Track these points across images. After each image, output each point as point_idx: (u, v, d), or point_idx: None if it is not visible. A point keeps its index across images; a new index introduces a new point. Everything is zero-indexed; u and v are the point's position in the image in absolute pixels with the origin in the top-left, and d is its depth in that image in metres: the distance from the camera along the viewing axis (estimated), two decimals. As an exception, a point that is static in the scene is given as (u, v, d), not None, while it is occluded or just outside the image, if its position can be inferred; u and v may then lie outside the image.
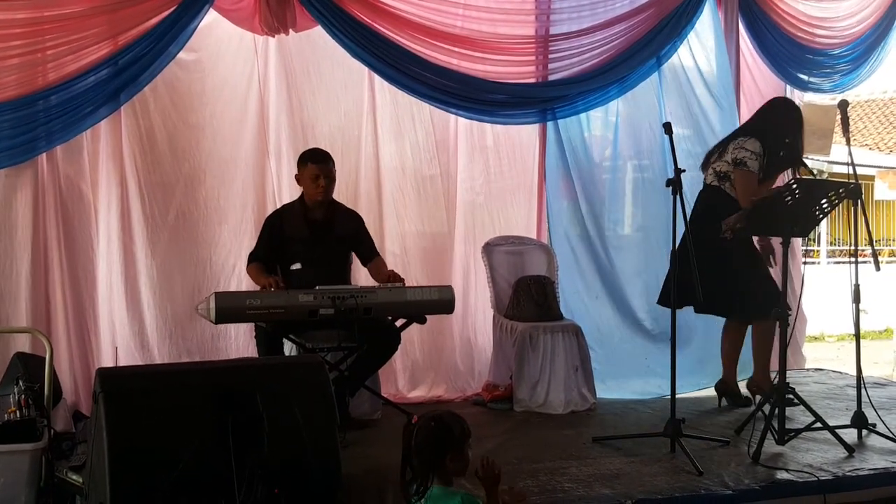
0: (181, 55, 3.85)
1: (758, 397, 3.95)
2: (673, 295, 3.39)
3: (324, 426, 2.47)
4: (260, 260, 3.74)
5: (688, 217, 3.29)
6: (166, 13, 3.69)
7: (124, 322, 3.93)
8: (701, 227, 3.60)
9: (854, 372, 3.62)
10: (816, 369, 5.36)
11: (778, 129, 3.89)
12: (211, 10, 3.81)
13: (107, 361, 3.83)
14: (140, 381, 2.47)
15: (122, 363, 3.84)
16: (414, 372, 4.39)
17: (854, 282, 3.53)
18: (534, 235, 4.68)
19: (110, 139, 3.89)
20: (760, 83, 5.24)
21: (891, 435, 3.38)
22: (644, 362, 4.54)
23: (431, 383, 4.41)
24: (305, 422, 2.40)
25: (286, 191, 4.13)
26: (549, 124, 4.58)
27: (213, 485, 2.25)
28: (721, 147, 4.02)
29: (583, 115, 4.59)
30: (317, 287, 3.39)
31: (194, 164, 4.07)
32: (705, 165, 4.07)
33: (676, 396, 3.33)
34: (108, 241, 3.92)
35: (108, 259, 3.92)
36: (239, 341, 4.06)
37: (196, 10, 3.74)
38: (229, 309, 3.28)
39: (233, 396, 2.34)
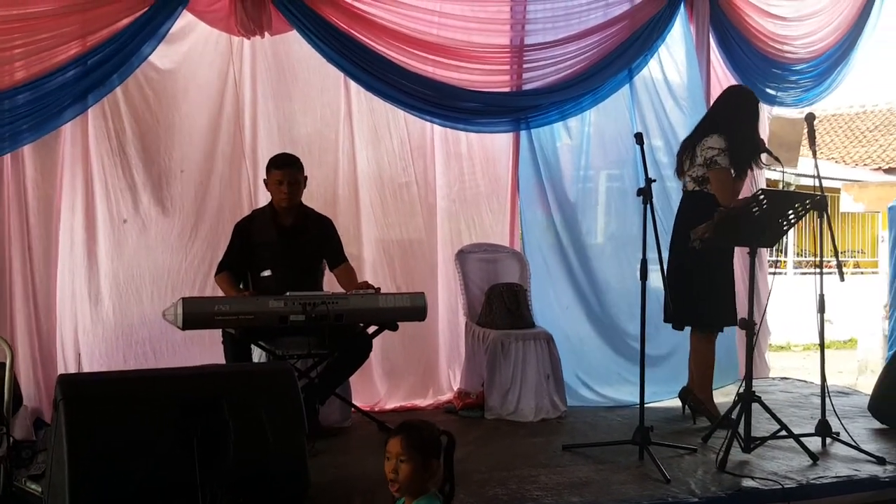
0: (154, 56, 3.80)
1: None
2: (642, 304, 3.42)
3: (291, 434, 2.45)
4: (230, 269, 3.69)
5: (658, 227, 3.32)
6: (138, 14, 3.64)
7: (87, 327, 3.86)
8: (688, 236, 3.63)
9: (819, 381, 3.68)
10: (782, 378, 5.44)
11: (735, 119, 3.89)
12: (185, 11, 3.77)
13: (70, 368, 3.75)
14: (102, 387, 2.43)
15: (85, 370, 3.76)
16: (387, 379, 4.36)
17: (819, 292, 3.60)
18: (507, 243, 4.69)
19: (78, 140, 3.81)
20: (730, 97, 5.31)
21: (854, 443, 3.44)
22: (615, 370, 4.56)
23: (407, 391, 4.38)
24: (272, 430, 2.37)
25: (262, 194, 4.07)
26: (523, 133, 4.59)
27: (177, 494, 2.21)
28: (689, 151, 3.99)
29: (555, 125, 4.62)
30: (287, 293, 3.35)
31: (165, 167, 4.01)
32: (680, 172, 4.06)
33: (646, 405, 3.36)
34: (72, 245, 3.84)
35: (73, 263, 3.84)
36: (206, 348, 3.99)
37: (169, 12, 3.70)
38: (197, 315, 3.23)
39: (198, 404, 2.31)
